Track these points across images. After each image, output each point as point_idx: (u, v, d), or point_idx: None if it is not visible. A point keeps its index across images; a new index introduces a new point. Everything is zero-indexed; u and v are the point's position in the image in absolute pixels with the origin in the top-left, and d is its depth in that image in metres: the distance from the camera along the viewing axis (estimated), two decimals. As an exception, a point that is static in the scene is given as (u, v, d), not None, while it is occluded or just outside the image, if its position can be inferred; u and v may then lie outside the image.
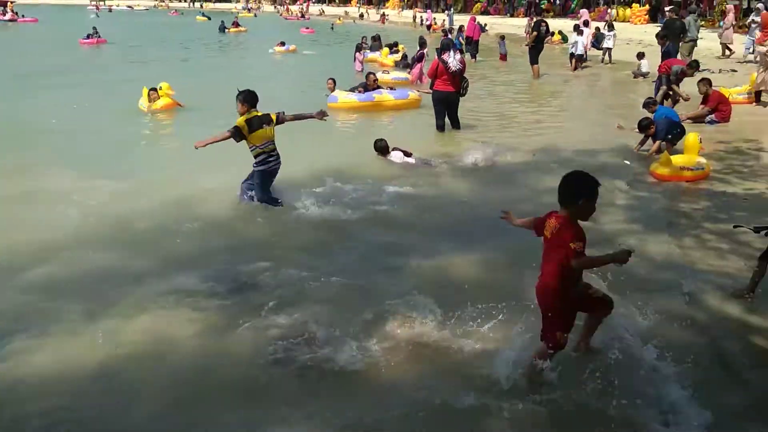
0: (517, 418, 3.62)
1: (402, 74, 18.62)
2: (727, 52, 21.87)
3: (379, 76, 17.02)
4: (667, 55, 14.38)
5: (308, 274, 5.49)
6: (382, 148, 9.39)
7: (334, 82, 14.91)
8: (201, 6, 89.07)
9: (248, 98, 7.07)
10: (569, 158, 9.60)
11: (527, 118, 13.62)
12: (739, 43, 21.51)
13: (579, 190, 3.77)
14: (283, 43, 30.85)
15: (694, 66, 13.79)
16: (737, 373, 4.14)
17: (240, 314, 4.82)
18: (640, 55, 19.50)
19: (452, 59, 11.27)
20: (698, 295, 5.10)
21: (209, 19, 58.09)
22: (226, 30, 45.36)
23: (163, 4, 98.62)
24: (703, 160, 8.65)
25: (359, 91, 14.52)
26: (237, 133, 6.95)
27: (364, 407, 3.77)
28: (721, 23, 24.49)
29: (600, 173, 8.37)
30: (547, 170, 8.79)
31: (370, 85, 14.66)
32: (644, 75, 19.08)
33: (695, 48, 19.00)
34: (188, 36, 40.82)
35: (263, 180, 7.21)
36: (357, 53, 23.04)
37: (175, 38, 38.38)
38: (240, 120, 6.99)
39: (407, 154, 9.41)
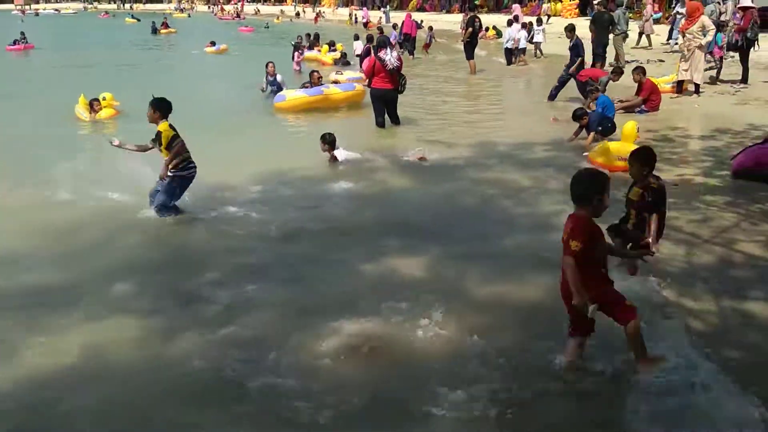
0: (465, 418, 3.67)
1: (355, 74, 18.44)
2: (645, 42, 22.74)
3: (334, 77, 17.02)
4: (575, 48, 14.56)
5: (252, 282, 5.41)
6: (331, 141, 9.37)
7: (275, 65, 15.18)
8: (131, 8, 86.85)
9: (164, 108, 6.92)
10: (507, 152, 9.82)
11: (466, 113, 13.82)
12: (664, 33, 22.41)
13: (592, 187, 3.76)
14: (213, 43, 30.19)
15: (619, 72, 14.23)
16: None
17: (183, 327, 4.71)
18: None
19: (389, 56, 11.35)
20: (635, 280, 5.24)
21: (138, 20, 56.68)
22: (158, 31, 44.40)
23: (91, 6, 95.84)
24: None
25: (306, 87, 14.49)
26: (158, 140, 6.87)
27: (310, 409, 3.74)
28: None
29: (537, 165, 8.80)
30: (486, 164, 8.99)
31: (314, 83, 14.60)
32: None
33: (627, 39, 19.64)
34: (119, 39, 39.73)
35: (181, 186, 7.01)
36: (295, 53, 22.89)
37: (106, 41, 37.24)
38: (164, 125, 6.85)
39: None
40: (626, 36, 19.65)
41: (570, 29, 14.97)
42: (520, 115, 13.47)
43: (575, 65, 14.16)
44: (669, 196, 7.34)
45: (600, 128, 10.11)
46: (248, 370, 4.11)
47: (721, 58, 15.76)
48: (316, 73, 15.03)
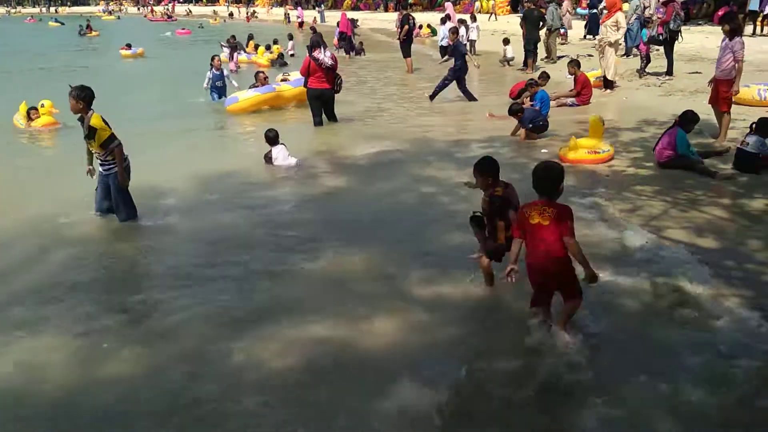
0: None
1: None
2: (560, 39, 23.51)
3: (281, 77, 16.80)
4: (456, 49, 14.59)
5: (187, 292, 5.28)
6: (272, 138, 9.25)
7: (220, 59, 15.03)
8: (56, 11, 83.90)
9: (88, 97, 6.48)
10: (445, 149, 9.93)
11: (403, 110, 13.89)
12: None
13: (559, 178, 4.28)
14: (129, 46, 29.03)
15: (546, 77, 14.53)
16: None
17: (119, 342, 4.56)
18: (506, 41, 20.48)
19: (323, 56, 11.32)
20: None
21: (63, 24, 55.02)
22: (84, 34, 43.14)
23: (15, 10, 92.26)
24: (606, 144, 8.90)
25: (256, 87, 14.35)
26: (91, 136, 6.48)
27: (253, 417, 3.70)
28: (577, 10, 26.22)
29: (469, 162, 8.85)
30: (424, 161, 9.04)
31: (261, 83, 14.43)
32: (510, 61, 20.01)
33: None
34: (45, 42, 38.29)
35: (126, 181, 6.76)
36: (233, 53, 22.65)
37: (32, 46, 35.77)
38: (97, 119, 6.45)
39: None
40: (559, 31, 20.14)
41: (453, 31, 15.10)
42: (458, 112, 13.61)
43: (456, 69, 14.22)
44: (601, 186, 7.71)
45: (531, 125, 10.34)
46: (188, 382, 4.03)
47: (648, 53, 16.30)
48: (261, 74, 14.85)
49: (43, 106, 13.13)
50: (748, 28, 22.01)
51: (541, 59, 19.63)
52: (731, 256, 5.58)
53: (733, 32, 9.29)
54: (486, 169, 4.83)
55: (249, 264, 5.83)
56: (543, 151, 9.53)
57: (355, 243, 6.13)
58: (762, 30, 23.04)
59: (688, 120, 8.38)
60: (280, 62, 23.09)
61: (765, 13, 22.65)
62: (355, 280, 5.41)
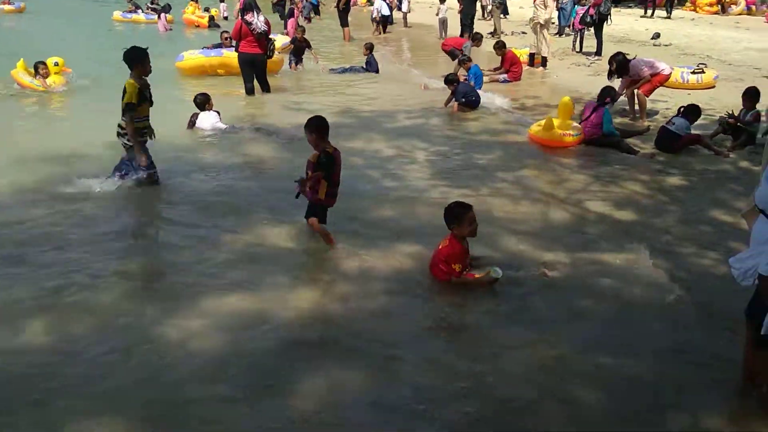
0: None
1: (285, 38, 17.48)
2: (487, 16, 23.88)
3: None
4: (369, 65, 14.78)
5: (106, 261, 5.02)
6: (199, 103, 8.95)
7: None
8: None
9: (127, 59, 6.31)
10: (376, 120, 9.84)
11: (339, 80, 13.69)
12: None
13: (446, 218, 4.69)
14: (9, 1, 27.43)
15: (479, 38, 14.75)
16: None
17: (43, 309, 4.33)
18: (442, 0, 20.55)
19: (256, 20, 10.97)
20: (496, 238, 5.46)
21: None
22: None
23: None
24: (577, 125, 8.59)
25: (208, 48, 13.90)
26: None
27: (172, 385, 3.58)
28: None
29: (405, 134, 8.89)
30: (354, 133, 8.92)
31: (225, 45, 13.91)
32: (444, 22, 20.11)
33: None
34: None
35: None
36: (161, 14, 21.87)
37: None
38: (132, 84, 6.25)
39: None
40: (501, 8, 20.29)
41: (368, 47, 15.02)
42: (392, 82, 13.52)
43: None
44: (529, 158, 7.85)
45: (464, 99, 10.38)
46: (103, 356, 3.84)
47: (581, 30, 16.63)
48: (225, 34, 14.27)
49: (56, 64, 11.99)
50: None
51: (488, 34, 19.82)
52: (649, 229, 5.78)
53: (619, 72, 9.59)
54: (316, 127, 5.10)
55: (170, 232, 5.63)
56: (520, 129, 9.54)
57: (281, 215, 5.92)
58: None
59: (691, 112, 8.35)
60: (211, 24, 22.43)
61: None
62: (281, 252, 5.27)
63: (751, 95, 8.44)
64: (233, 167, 7.41)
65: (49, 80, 11.68)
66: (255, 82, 11.43)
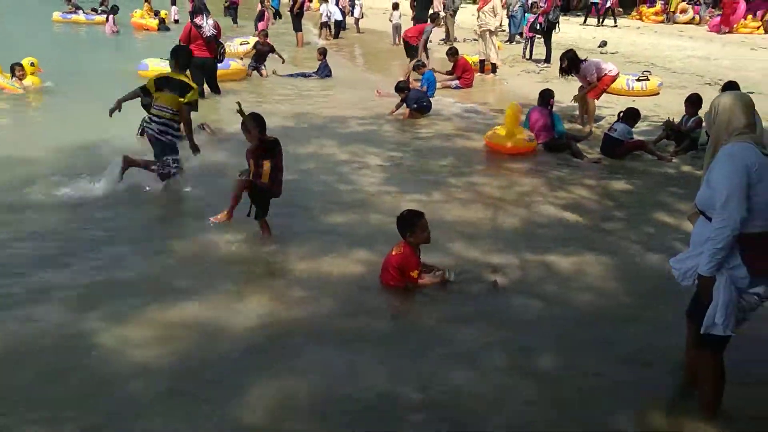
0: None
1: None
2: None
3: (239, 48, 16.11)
4: (322, 69, 14.87)
5: (46, 269, 4.88)
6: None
7: None
8: None
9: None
10: (328, 126, 9.80)
11: (291, 85, 13.60)
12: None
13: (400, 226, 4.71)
14: None
15: (437, 17, 14.97)
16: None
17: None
18: (395, 6, 20.59)
19: (205, 23, 10.83)
20: (448, 243, 5.47)
21: None
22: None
23: None
24: (529, 131, 8.54)
25: None
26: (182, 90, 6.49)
27: (117, 400, 3.47)
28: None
29: (357, 140, 8.88)
30: (305, 138, 8.88)
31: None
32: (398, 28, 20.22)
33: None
34: None
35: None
36: (110, 16, 21.41)
37: None
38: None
39: None
40: (455, 12, 20.44)
41: (322, 52, 15.07)
42: (345, 87, 13.50)
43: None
44: (480, 162, 7.92)
45: (416, 105, 10.44)
46: (53, 367, 3.72)
47: (531, 38, 16.92)
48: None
49: (33, 65, 11.62)
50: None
51: (440, 40, 20.02)
52: (595, 232, 5.90)
53: (570, 69, 9.74)
54: (259, 121, 5.39)
55: (115, 238, 5.48)
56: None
57: (232, 221, 5.86)
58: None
59: (630, 116, 8.53)
60: (161, 27, 22.11)
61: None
62: (231, 257, 5.21)
63: (693, 102, 8.70)
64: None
65: (25, 81, 11.38)
66: (206, 86, 11.27)
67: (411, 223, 4.65)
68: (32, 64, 11.63)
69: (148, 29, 22.40)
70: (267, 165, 5.34)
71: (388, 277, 4.67)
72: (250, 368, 3.71)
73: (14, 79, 11.31)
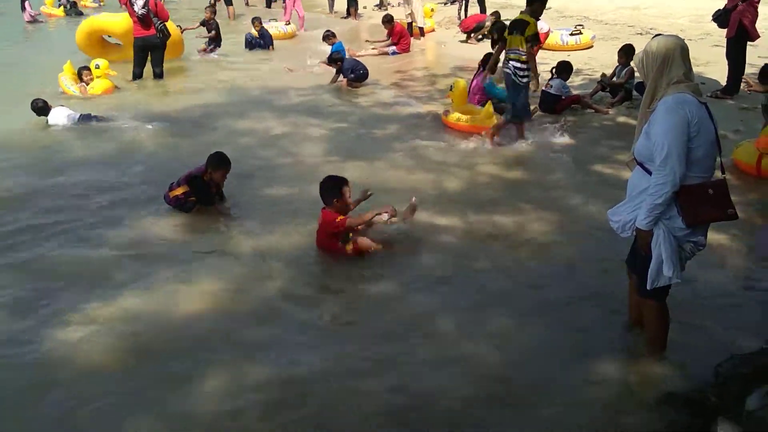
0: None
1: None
2: None
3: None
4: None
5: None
6: (39, 108, 8.39)
7: None
8: None
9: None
10: (264, 98, 9.68)
11: (223, 60, 13.23)
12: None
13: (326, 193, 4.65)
14: None
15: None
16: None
17: None
18: None
19: (136, 3, 10.19)
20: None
21: None
22: None
23: None
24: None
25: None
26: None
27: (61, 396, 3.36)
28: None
29: (295, 111, 8.74)
30: (243, 113, 8.70)
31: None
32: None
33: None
34: None
35: None
36: (25, 2, 20.47)
37: None
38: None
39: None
40: None
41: (259, 21, 14.61)
42: (279, 60, 13.20)
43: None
44: (421, 128, 7.90)
45: (353, 75, 10.31)
46: None
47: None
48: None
49: (98, 67, 10.26)
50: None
51: (374, 6, 19.81)
52: (538, 187, 5.97)
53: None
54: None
55: (49, 229, 5.26)
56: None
57: (160, 204, 5.65)
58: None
59: (564, 70, 8.60)
60: (75, 12, 21.38)
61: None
62: (169, 240, 5.08)
63: (625, 52, 8.81)
64: (114, 158, 7.03)
65: (90, 87, 10.14)
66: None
67: (335, 188, 4.61)
68: (97, 66, 10.33)
69: (51, 16, 21.48)
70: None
71: (325, 244, 4.69)
72: (199, 358, 3.59)
73: (81, 84, 10.18)
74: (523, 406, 3.17)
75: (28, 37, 18.60)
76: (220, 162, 5.45)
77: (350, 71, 10.28)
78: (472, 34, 14.10)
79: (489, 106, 7.76)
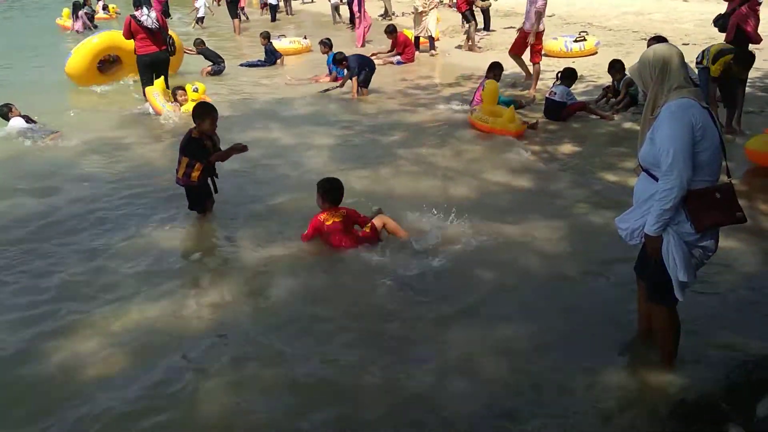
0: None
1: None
2: None
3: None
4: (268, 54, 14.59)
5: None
6: (4, 114, 8.53)
7: None
8: None
9: None
10: (270, 110, 9.73)
11: (231, 72, 13.29)
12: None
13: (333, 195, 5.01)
14: None
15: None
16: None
17: None
18: None
19: (146, 17, 10.18)
20: (401, 214, 5.36)
21: None
22: None
23: None
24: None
25: None
26: None
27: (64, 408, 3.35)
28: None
29: (301, 122, 8.77)
30: (250, 123, 8.73)
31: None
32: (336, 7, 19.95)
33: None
34: None
35: None
36: (78, 12, 20.73)
37: None
38: None
39: (29, 120, 8.66)
40: None
41: (265, 36, 14.70)
42: (287, 72, 13.25)
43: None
44: (427, 136, 7.90)
45: (364, 73, 10.38)
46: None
47: (471, 10, 16.86)
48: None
49: (196, 90, 9.85)
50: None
51: (378, 16, 19.93)
52: (544, 195, 5.96)
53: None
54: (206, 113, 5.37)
55: (59, 247, 5.26)
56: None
57: (177, 212, 5.73)
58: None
59: (567, 76, 8.59)
60: (92, 24, 21.53)
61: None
62: (176, 250, 5.09)
63: (616, 68, 8.83)
64: (118, 172, 7.06)
65: (183, 108, 9.47)
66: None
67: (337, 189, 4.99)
68: (195, 90, 9.91)
69: (65, 29, 21.69)
70: (185, 161, 5.42)
71: (341, 241, 4.89)
72: (207, 370, 3.59)
73: (174, 103, 9.76)
74: (532, 414, 3.15)
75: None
76: (203, 112, 5.36)
77: (358, 68, 10.30)
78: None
79: (511, 110, 7.82)
